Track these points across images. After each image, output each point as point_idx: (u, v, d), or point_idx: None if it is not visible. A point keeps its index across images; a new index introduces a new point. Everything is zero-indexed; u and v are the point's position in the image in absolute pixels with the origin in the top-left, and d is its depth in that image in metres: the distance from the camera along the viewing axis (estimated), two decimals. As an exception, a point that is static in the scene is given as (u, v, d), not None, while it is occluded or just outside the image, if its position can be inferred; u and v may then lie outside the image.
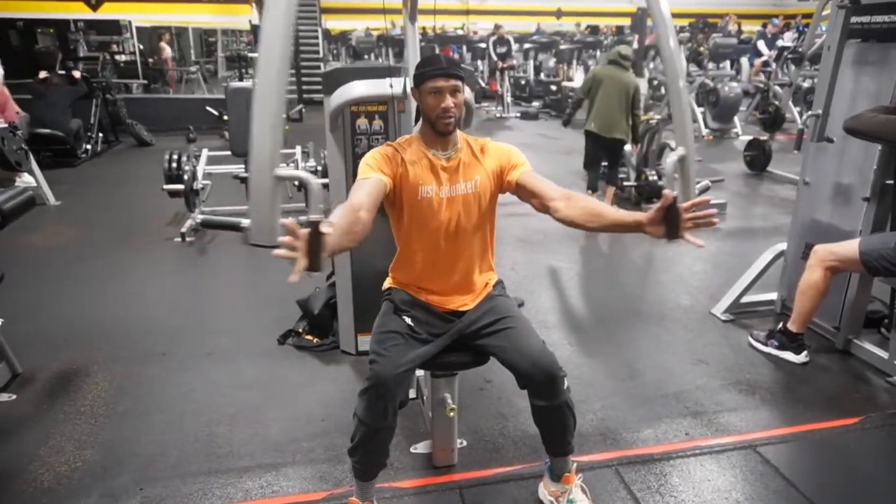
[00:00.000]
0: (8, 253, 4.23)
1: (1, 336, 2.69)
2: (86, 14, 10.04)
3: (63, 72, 7.31)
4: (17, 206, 2.34)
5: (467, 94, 2.52)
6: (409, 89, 2.22)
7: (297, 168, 4.87)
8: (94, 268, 4.06)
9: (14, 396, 2.60)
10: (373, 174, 1.73)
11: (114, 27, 11.69)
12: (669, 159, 1.70)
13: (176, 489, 2.09)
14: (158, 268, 4.11)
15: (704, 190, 1.98)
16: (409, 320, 1.86)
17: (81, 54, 11.93)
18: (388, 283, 2.03)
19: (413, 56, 2.30)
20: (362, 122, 2.65)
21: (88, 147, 7.35)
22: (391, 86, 2.45)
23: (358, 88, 2.56)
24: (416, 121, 1.95)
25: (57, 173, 6.38)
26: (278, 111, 1.35)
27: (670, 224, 1.54)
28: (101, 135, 7.75)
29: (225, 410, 2.53)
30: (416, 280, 1.92)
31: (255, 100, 1.34)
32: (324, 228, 1.28)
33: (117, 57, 10.96)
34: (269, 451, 2.29)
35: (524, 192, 1.86)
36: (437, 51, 13.09)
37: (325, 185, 4.85)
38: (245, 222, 1.53)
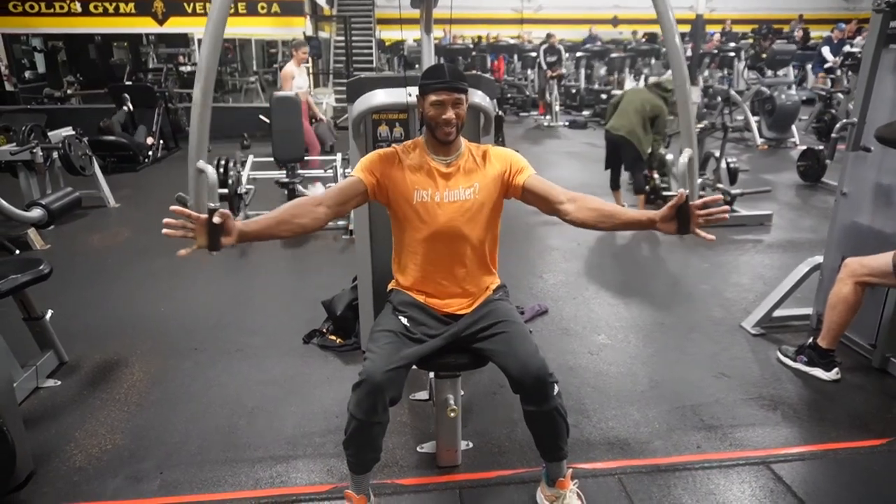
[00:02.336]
0: (69, 252, 4.56)
1: (50, 326, 2.90)
2: (155, 28, 10.64)
3: (130, 82, 7.80)
4: (65, 205, 2.53)
5: (485, 101, 2.58)
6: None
7: (335, 174, 5.03)
8: (145, 267, 4.31)
9: (59, 382, 2.81)
10: (358, 174, 1.87)
11: (181, 40, 12.35)
12: (681, 160, 1.83)
13: (193, 475, 2.22)
14: (202, 269, 4.32)
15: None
16: (404, 320, 1.92)
17: (151, 66, 12.66)
18: (391, 285, 2.10)
19: (429, 64, 2.36)
20: (383, 130, 2.74)
21: (150, 153, 7.78)
22: (409, 94, 2.53)
23: (379, 97, 2.64)
24: (421, 126, 2.02)
25: (119, 178, 6.80)
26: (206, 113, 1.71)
27: (682, 220, 1.71)
28: (161, 142, 8.19)
29: (246, 404, 2.65)
30: (416, 283, 1.98)
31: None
32: (215, 218, 1.59)
33: (182, 68, 11.54)
34: (283, 444, 2.39)
35: (531, 197, 1.91)
36: (489, 61, 13.19)
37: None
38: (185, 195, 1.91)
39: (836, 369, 2.81)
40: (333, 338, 3.16)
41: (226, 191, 4.72)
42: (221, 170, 4.96)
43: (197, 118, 1.75)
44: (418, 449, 2.35)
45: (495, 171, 1.94)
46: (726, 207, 1.72)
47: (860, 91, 2.78)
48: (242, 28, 10.46)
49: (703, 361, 3.01)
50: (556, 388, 1.80)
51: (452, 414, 2.08)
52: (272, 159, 5.36)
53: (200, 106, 1.73)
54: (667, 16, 1.79)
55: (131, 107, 7.74)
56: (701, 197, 1.74)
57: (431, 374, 2.48)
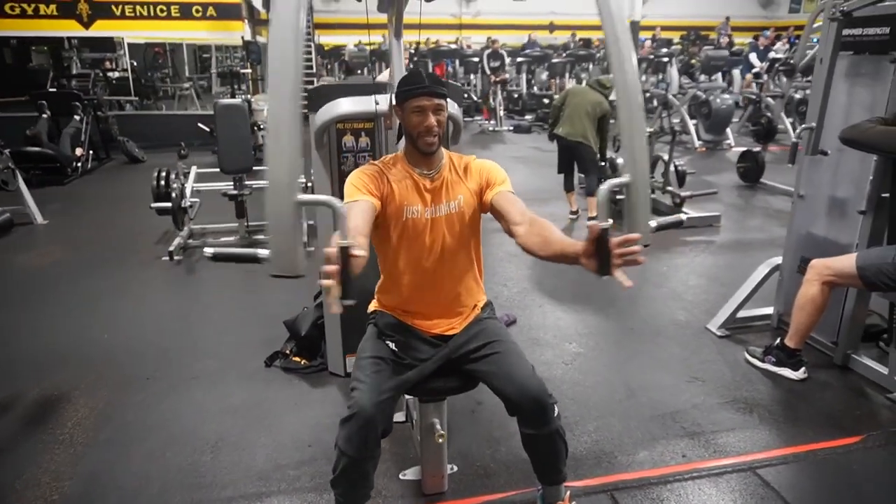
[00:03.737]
0: (-8, 274, 4.17)
1: (-22, 362, 2.62)
2: (80, 32, 10.01)
3: (54, 89, 7.29)
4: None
5: (454, 109, 2.49)
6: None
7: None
8: (81, 288, 3.99)
9: (-9, 425, 2.53)
10: (361, 196, 1.68)
11: (108, 44, 11.67)
12: (604, 186, 1.41)
13: (156, 522, 2.02)
14: (146, 288, 4.04)
15: (657, 230, 1.62)
16: (393, 345, 1.80)
17: (74, 71, 11.92)
18: (373, 306, 1.97)
19: (399, 72, 2.26)
20: (348, 140, 2.61)
21: (79, 165, 7.29)
22: (377, 102, 2.41)
23: (344, 105, 2.51)
24: (399, 138, 1.90)
25: (46, 192, 6.33)
26: (294, 132, 1.21)
27: (601, 258, 1.37)
28: (91, 152, 7.70)
29: (209, 437, 2.45)
30: (402, 303, 1.87)
31: (269, 121, 1.20)
32: (355, 252, 1.24)
33: (109, 74, 10.92)
34: (253, 480, 2.22)
35: (495, 214, 1.79)
36: (430, 66, 13.14)
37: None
38: (263, 253, 1.42)
39: (803, 368, 2.87)
40: (298, 359, 2.99)
41: (168, 205, 4.44)
42: (163, 182, 4.67)
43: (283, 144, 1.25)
44: (401, 476, 2.22)
45: (475, 185, 1.85)
46: (639, 248, 1.36)
47: (817, 96, 2.85)
48: (176, 32, 9.96)
49: (675, 366, 3.01)
50: (556, 410, 1.72)
51: (441, 440, 1.97)
52: (216, 170, 5.11)
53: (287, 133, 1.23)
54: (610, 21, 1.43)
55: (49, 114, 7.22)
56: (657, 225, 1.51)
57: (408, 396, 2.37)
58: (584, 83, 6.45)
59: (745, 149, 7.31)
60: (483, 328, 1.86)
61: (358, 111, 2.50)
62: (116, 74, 10.89)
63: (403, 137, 1.86)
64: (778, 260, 3.35)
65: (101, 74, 10.00)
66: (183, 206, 4.51)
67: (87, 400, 2.72)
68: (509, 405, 1.74)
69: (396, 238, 1.78)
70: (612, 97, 5.25)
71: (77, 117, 7.47)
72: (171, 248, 4.47)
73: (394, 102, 1.81)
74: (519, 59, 12.84)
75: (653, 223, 1.51)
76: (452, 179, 1.83)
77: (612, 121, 5.41)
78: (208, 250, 1.53)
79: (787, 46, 13.34)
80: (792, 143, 2.93)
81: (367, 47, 14.43)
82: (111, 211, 5.95)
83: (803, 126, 2.91)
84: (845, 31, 2.77)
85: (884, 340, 3.13)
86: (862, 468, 2.28)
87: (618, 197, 5.55)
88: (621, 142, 1.54)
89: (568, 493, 1.91)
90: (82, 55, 11.87)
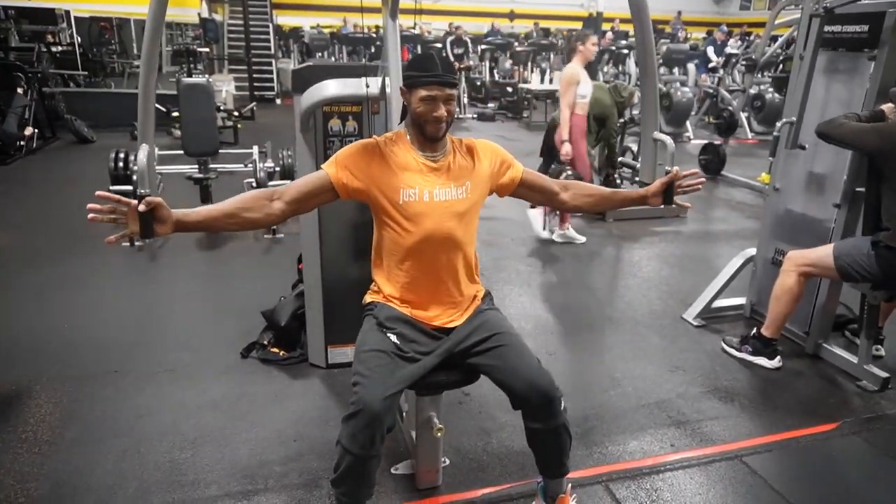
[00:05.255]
0: (-66, 260, 3.88)
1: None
2: (20, 2, 9.40)
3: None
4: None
5: None
6: (395, 87, 2.10)
7: (255, 169, 4.66)
8: (35, 277, 3.75)
9: (-56, 424, 2.34)
10: (325, 169, 1.72)
11: (48, 16, 11.01)
12: (666, 140, 2.33)
13: (136, 525, 1.91)
14: (106, 276, 3.83)
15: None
16: (394, 338, 1.73)
17: (13, 45, 11.21)
18: (369, 297, 1.89)
19: (394, 54, 2.17)
20: (335, 124, 2.51)
21: (23, 144, 6.85)
22: (367, 86, 2.32)
23: (332, 88, 2.41)
24: (402, 119, 1.83)
25: (-13, 172, 5.95)
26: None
27: (668, 194, 1.91)
28: (36, 130, 7.25)
29: (188, 433, 2.34)
30: (401, 292, 1.80)
31: None
32: (140, 207, 1.45)
33: (53, 48, 10.31)
34: (238, 478, 2.12)
35: (526, 191, 1.94)
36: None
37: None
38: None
39: (778, 357, 2.95)
40: (276, 350, 2.89)
41: (129, 188, 4.21)
42: (121, 164, 4.43)
43: None
44: (392, 471, 2.16)
45: (485, 169, 1.81)
46: (703, 179, 1.96)
47: (797, 92, 2.90)
48: (127, 6, 9.48)
49: (656, 356, 3.05)
50: (563, 403, 1.70)
51: (439, 434, 1.92)
52: (174, 152, 4.90)
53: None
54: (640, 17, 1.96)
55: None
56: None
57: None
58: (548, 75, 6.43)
59: (704, 141, 7.49)
60: (485, 320, 1.82)
61: (347, 94, 2.41)
62: (60, 48, 10.28)
63: (405, 121, 1.79)
64: (752, 251, 3.43)
65: (44, 48, 9.42)
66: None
67: (49, 395, 2.56)
68: (515, 399, 1.70)
69: (395, 222, 1.71)
70: (624, 103, 5.27)
71: (20, 90, 7.01)
72: (132, 234, 4.25)
73: (400, 84, 1.73)
74: (482, 47, 12.79)
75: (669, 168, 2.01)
76: (460, 163, 1.77)
77: (619, 122, 5.44)
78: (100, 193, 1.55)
79: (740, 43, 13.70)
80: (773, 137, 2.99)
81: (326, 31, 14.12)
82: (61, 194, 5.62)
83: (784, 120, 2.96)
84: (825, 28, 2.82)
85: (850, 330, 3.25)
86: (840, 454, 2.36)
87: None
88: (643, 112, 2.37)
89: (570, 485, 1.90)
90: (20, 27, 11.18)
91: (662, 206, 1.95)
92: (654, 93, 2.42)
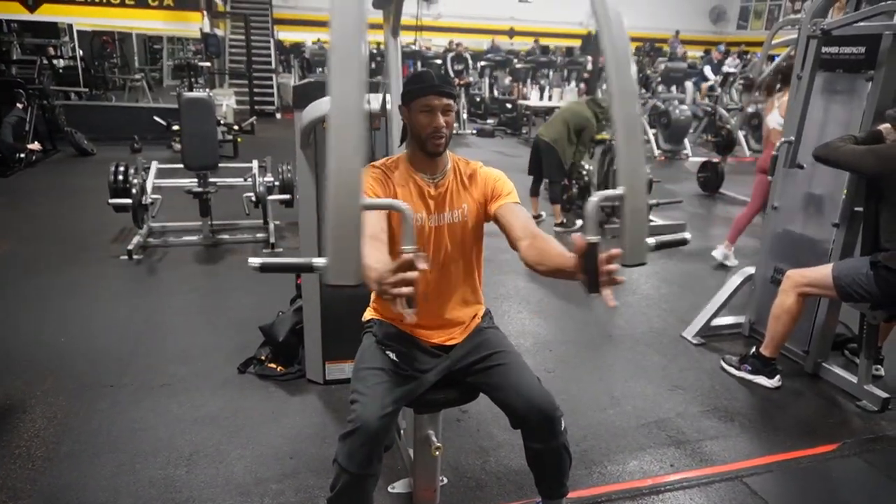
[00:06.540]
0: (-69, 272, 3.86)
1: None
2: (24, 16, 9.46)
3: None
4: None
5: None
6: (392, 106, 2.11)
7: (255, 183, 4.67)
8: (32, 289, 3.73)
9: (-64, 438, 2.32)
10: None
11: (51, 30, 11.09)
12: (593, 199, 1.20)
13: (129, 543, 1.88)
14: (104, 289, 3.82)
15: (657, 248, 1.41)
16: (393, 355, 1.72)
17: (15, 58, 11.27)
18: (369, 314, 1.88)
19: (395, 71, 2.18)
20: (336, 140, 2.51)
21: (22, 156, 6.86)
22: (368, 102, 2.33)
23: (333, 104, 2.41)
24: (403, 140, 1.83)
25: (-13, 184, 5.95)
26: (360, 132, 1.06)
27: (590, 275, 1.23)
28: (37, 143, 7.27)
29: (183, 449, 2.32)
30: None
31: (330, 119, 1.06)
32: (420, 266, 1.17)
33: (56, 62, 10.36)
34: (234, 495, 2.10)
35: (499, 226, 1.75)
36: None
37: (287, 202, 4.69)
38: (319, 262, 1.31)
39: (777, 376, 2.93)
40: (274, 366, 2.87)
41: (128, 201, 4.21)
42: (121, 177, 4.43)
43: None
44: (389, 490, 2.13)
45: (479, 195, 1.80)
46: (617, 267, 1.23)
47: (796, 112, 2.92)
48: (129, 20, 9.55)
49: (656, 374, 3.03)
50: (564, 423, 1.68)
51: (437, 452, 1.90)
52: (174, 166, 4.91)
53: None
54: (607, 25, 1.16)
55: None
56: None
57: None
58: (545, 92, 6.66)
59: (702, 159, 7.53)
60: (485, 338, 1.81)
61: (348, 110, 2.41)
62: (62, 63, 10.33)
63: (406, 141, 1.79)
64: (751, 270, 3.43)
65: (46, 62, 9.48)
66: (144, 202, 4.29)
67: (44, 409, 2.53)
68: (515, 418, 1.69)
69: (399, 245, 1.70)
70: (602, 116, 5.39)
71: (20, 105, 7.04)
72: (130, 247, 4.25)
73: (399, 102, 1.74)
74: (482, 63, 12.89)
75: (651, 241, 1.31)
76: (457, 187, 1.77)
77: (595, 138, 5.60)
78: (254, 260, 1.35)
79: (738, 62, 13.83)
80: (773, 157, 3.00)
81: (327, 46, 14.23)
82: (60, 206, 5.62)
83: (782, 140, 2.98)
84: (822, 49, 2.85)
85: (849, 349, 3.25)
86: (841, 475, 2.34)
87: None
88: (616, 151, 1.24)
89: (569, 506, 1.88)
90: (23, 40, 11.26)
91: (588, 294, 1.26)
92: (635, 126, 1.23)
